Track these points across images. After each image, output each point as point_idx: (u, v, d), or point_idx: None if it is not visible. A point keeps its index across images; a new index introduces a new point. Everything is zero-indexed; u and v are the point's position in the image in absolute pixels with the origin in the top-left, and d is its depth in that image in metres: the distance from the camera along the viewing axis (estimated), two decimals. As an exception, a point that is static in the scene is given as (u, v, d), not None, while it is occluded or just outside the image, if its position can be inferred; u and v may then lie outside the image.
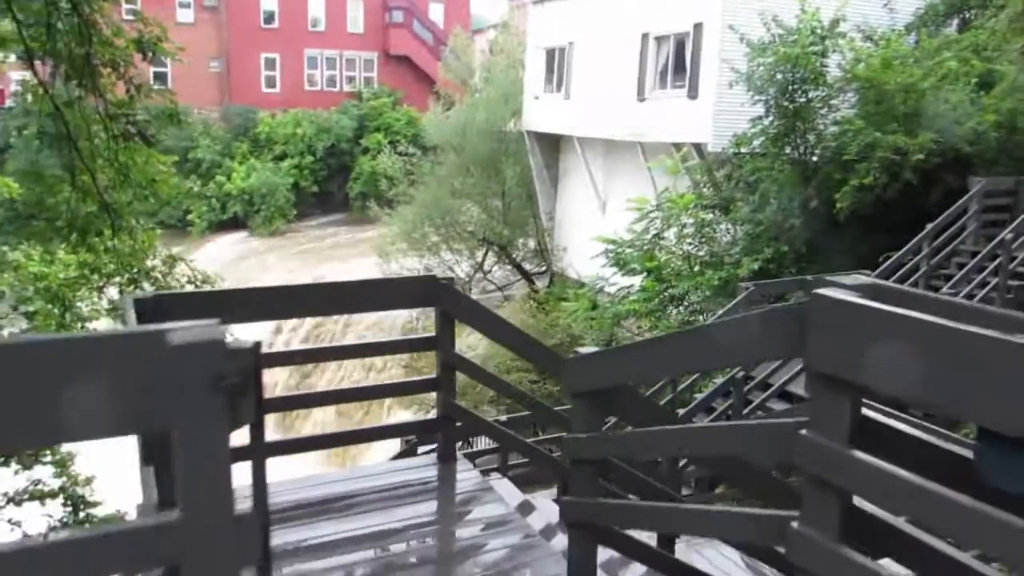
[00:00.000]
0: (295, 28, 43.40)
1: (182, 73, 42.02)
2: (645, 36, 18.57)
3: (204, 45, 42.19)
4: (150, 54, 7.54)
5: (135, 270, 8.96)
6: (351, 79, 45.18)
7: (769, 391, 8.98)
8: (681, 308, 14.60)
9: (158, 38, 7.55)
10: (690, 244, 15.06)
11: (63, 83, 7.79)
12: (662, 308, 14.77)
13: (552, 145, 24.41)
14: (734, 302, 9.81)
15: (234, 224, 38.53)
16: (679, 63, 17.65)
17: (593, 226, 22.96)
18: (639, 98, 18.78)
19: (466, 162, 25.93)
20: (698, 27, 16.87)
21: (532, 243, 27.07)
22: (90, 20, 7.14)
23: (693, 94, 16.92)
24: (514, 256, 26.93)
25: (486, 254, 27.01)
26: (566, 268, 24.00)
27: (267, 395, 4.08)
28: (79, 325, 11.34)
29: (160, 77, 41.70)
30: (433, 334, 4.49)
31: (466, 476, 4.59)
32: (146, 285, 9.28)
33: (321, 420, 26.32)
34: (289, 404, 5.28)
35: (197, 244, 37.29)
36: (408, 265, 26.33)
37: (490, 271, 27.49)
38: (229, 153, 40.12)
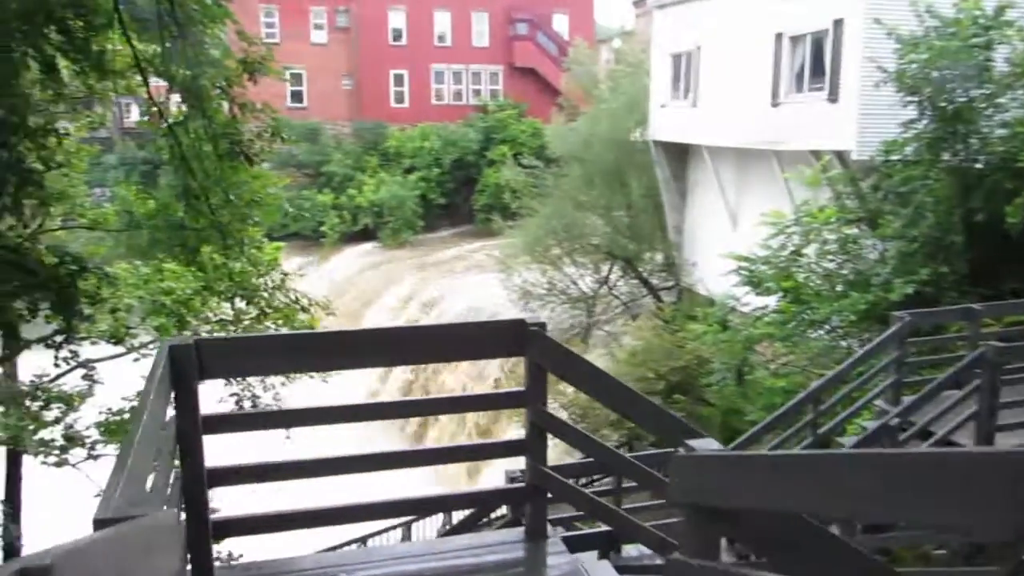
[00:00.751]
0: (422, 44, 44.09)
1: (317, 91, 43.76)
2: (779, 36, 17.34)
3: (337, 63, 43.62)
4: (256, 74, 7.31)
5: (243, 288, 8.83)
6: (477, 92, 45.50)
7: (931, 439, 7.83)
8: (822, 332, 13.35)
9: (263, 57, 7.33)
10: (832, 262, 13.78)
11: (177, 104, 7.70)
12: (800, 332, 13.58)
13: (680, 155, 23.37)
14: (886, 335, 8.67)
15: (364, 235, 39.41)
16: (817, 64, 16.35)
17: (723, 240, 21.76)
18: (773, 103, 17.57)
19: (590, 173, 25.27)
20: (838, 23, 15.54)
21: (659, 257, 26.06)
22: (198, 42, 6.98)
23: (833, 97, 15.60)
24: (640, 270, 26.01)
25: (611, 268, 26.21)
26: (695, 284, 22.89)
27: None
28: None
29: (296, 96, 43.47)
30: (521, 388, 3.85)
31: (559, 561, 3.89)
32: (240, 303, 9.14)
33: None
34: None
35: (328, 254, 38.37)
36: (531, 279, 25.91)
37: (615, 285, 26.66)
38: (360, 167, 41.14)
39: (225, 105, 7.31)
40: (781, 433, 8.85)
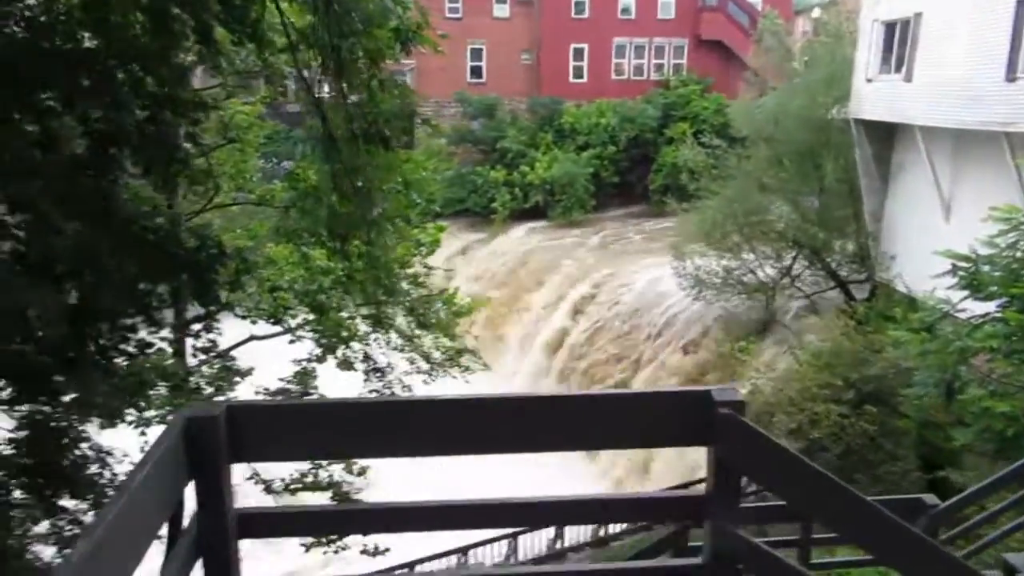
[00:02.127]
0: (605, 17, 42.70)
1: (496, 66, 43.49)
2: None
3: (517, 38, 43.13)
4: (410, 43, 6.56)
5: (384, 279, 8.23)
6: (659, 67, 43.62)
7: None
8: (1059, 351, 11.18)
9: (418, 25, 6.58)
10: (1079, 268, 11.49)
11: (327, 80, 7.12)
12: (1030, 348, 11.46)
13: (885, 136, 20.86)
14: None
15: (535, 213, 38.89)
16: (1071, 31, 13.76)
17: (933, 233, 19.23)
18: (1009, 77, 15.04)
19: (778, 154, 23.19)
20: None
21: (851, 247, 23.60)
22: (346, 11, 6.33)
23: (1091, 70, 13.04)
24: (828, 261, 23.68)
25: (795, 258, 24.04)
26: (893, 279, 20.44)
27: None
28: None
29: (476, 71, 43.45)
30: (699, 491, 2.65)
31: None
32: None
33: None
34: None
35: (498, 231, 38.20)
36: (705, 266, 24.27)
37: (798, 276, 24.45)
38: (534, 143, 40.56)
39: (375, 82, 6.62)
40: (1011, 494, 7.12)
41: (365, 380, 11.57)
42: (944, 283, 14.00)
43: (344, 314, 11.65)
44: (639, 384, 24.63)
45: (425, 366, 11.94)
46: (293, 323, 11.91)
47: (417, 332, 11.68)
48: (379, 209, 6.97)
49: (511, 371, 29.57)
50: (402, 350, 11.78)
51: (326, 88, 7.60)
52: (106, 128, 6.43)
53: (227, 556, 2.32)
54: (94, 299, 6.61)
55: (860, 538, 2.55)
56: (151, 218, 6.50)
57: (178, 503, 2.14)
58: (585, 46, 42.94)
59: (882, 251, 21.47)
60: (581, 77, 43.23)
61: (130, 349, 7.07)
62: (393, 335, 11.18)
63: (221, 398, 12.15)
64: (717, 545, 2.58)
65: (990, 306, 12.79)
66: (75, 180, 6.28)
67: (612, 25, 42.85)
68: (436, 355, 11.98)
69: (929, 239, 19.47)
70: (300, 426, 2.38)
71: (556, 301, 30.45)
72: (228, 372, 12.28)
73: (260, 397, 12.52)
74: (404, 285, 10.76)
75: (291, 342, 11.83)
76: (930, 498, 6.66)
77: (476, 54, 43.27)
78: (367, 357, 11.29)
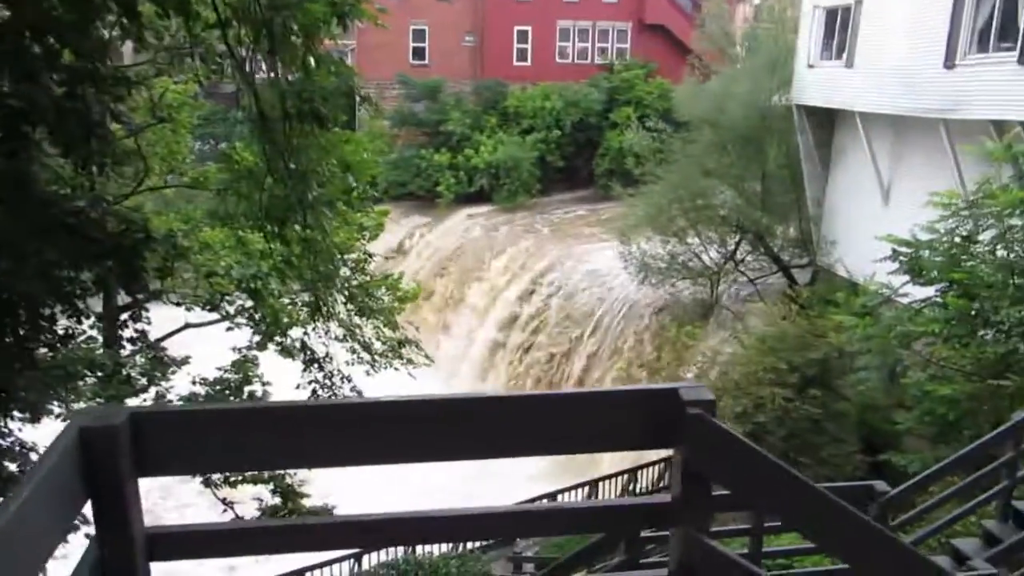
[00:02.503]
0: (549, -1, 42.40)
1: (439, 48, 42.83)
2: (961, -13, 14.98)
3: (461, 19, 42.49)
4: (347, 18, 6.19)
5: (322, 265, 7.83)
6: (603, 51, 43.51)
7: None
8: (998, 334, 11.37)
9: (356, -1, 6.20)
10: (1017, 254, 11.69)
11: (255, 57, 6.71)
12: (970, 332, 11.65)
13: (826, 122, 21.10)
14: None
15: (479, 197, 38.53)
16: (1007, 19, 13.97)
17: (872, 219, 19.51)
18: (947, 64, 15.25)
19: (723, 139, 23.29)
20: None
21: (793, 232, 23.89)
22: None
23: (1027, 58, 13.26)
24: (771, 246, 23.94)
25: (739, 243, 24.24)
26: (834, 264, 20.74)
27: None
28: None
29: (418, 52, 42.73)
30: (664, 497, 2.41)
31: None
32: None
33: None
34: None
35: (443, 215, 37.78)
36: (651, 251, 24.31)
37: (742, 260, 24.68)
38: (478, 126, 40.14)
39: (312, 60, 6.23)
40: (958, 480, 7.13)
41: (304, 371, 11.15)
42: (885, 268, 14.21)
43: (285, 300, 11.20)
44: (580, 368, 24.63)
45: (367, 356, 11.54)
46: (231, 309, 11.43)
47: (357, 321, 11.26)
48: (315, 191, 6.59)
49: (455, 359, 29.36)
50: (344, 339, 11.36)
51: (262, 66, 7.19)
52: (18, 104, 5.94)
53: None
54: (10, 287, 6.12)
55: (847, 552, 2.35)
56: (71, 200, 6.03)
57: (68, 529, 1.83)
58: (529, 28, 42.59)
59: (823, 236, 21.75)
60: (525, 60, 42.90)
61: (51, 339, 6.60)
62: (333, 324, 10.76)
63: (133, 400, 11.60)
64: (684, 556, 2.36)
65: (930, 291, 13.00)
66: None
67: (556, 7, 42.54)
68: (377, 346, 11.57)
69: (869, 224, 19.73)
70: (219, 434, 2.07)
71: (503, 287, 30.23)
72: (161, 363, 11.76)
73: (197, 388, 12.03)
74: (345, 271, 10.34)
75: (228, 329, 11.34)
76: (880, 485, 6.65)
77: (419, 35, 42.54)
78: (304, 347, 10.86)
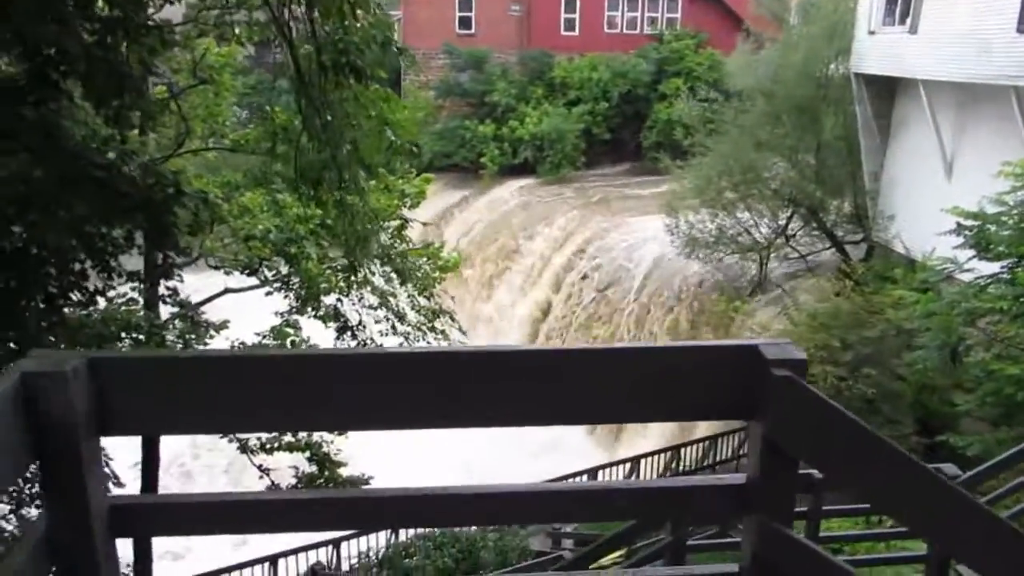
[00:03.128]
0: (598, -33, 41.43)
1: (486, 17, 42.19)
2: (1037, -55, 14.09)
3: (507, -12, 41.77)
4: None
5: (359, 228, 7.52)
6: (653, 20, 42.44)
7: None
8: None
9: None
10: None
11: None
12: (1041, 310, 11.02)
13: (886, 91, 20.21)
14: None
15: (524, 169, 38.06)
16: (1090, -22, 13.09)
17: (934, 193, 18.69)
18: (1020, 28, 14.38)
19: (777, 109, 22.46)
20: None
21: (847, 207, 23.06)
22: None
23: (1111, 19, 12.40)
24: (825, 221, 23.15)
25: (791, 217, 23.48)
26: (891, 240, 19.96)
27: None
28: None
29: (464, 22, 42.19)
30: (738, 478, 2.01)
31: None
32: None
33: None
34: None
35: (487, 187, 37.43)
36: (699, 225, 23.67)
37: (793, 235, 23.92)
38: (524, 97, 39.56)
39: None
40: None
41: (336, 339, 10.89)
42: (946, 244, 13.53)
43: (324, 266, 10.96)
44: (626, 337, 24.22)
45: (402, 328, 11.22)
46: (270, 275, 11.24)
47: (394, 289, 10.93)
48: (348, 147, 6.29)
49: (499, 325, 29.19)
50: (378, 307, 11.07)
51: (301, 19, 6.88)
52: (47, 51, 5.73)
53: (94, 563, 1.65)
54: (39, 240, 5.97)
55: (961, 543, 1.97)
56: (101, 154, 5.83)
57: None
58: (577, -2, 41.74)
59: (880, 210, 20.94)
60: (573, 30, 42.06)
61: (82, 299, 6.45)
62: (367, 291, 10.45)
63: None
64: (761, 547, 1.99)
65: (994, 267, 12.32)
66: (12, 108, 5.59)
67: (606, -24, 41.63)
68: (411, 316, 11.21)
69: (930, 198, 18.92)
70: (204, 386, 1.71)
71: (549, 256, 29.87)
72: (199, 326, 11.67)
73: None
74: (384, 238, 10.04)
75: (267, 295, 11.17)
76: (950, 468, 6.21)
77: (465, 4, 41.95)
78: (338, 314, 10.58)
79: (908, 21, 17.99)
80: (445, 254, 13.60)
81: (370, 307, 10.63)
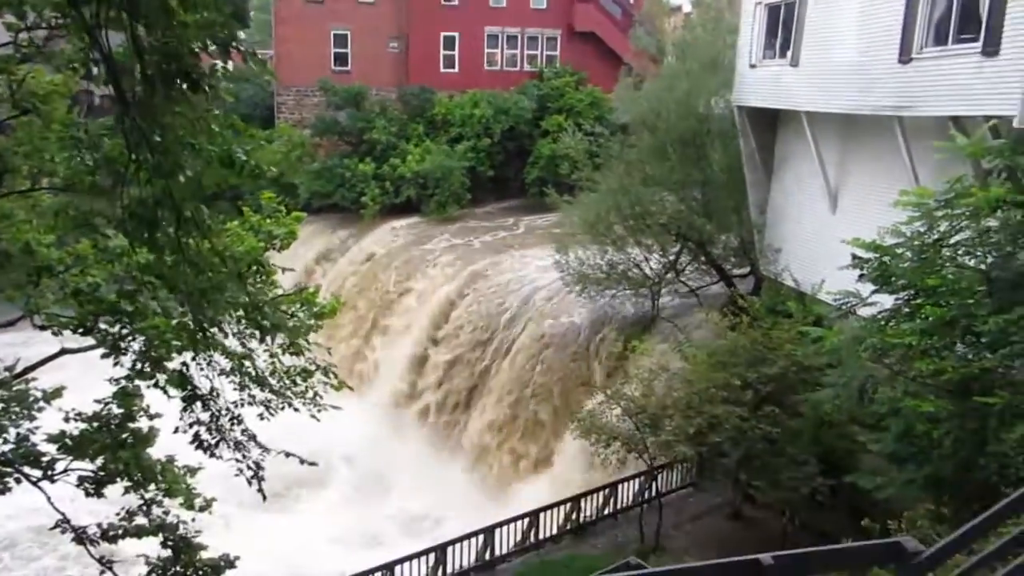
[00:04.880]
0: (476, 5, 41.19)
1: (362, 54, 41.01)
2: (914, -23, 14.18)
3: (384, 24, 40.85)
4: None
5: (204, 283, 6.10)
6: (532, 58, 42.55)
7: None
8: (979, 345, 10.37)
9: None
10: (995, 258, 10.71)
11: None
12: (949, 344, 10.64)
13: (769, 123, 20.26)
14: None
15: (407, 208, 36.83)
16: (967, 9, 13.17)
17: (819, 224, 18.72)
18: (902, 59, 14.41)
19: (662, 143, 22.21)
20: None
21: (734, 240, 22.97)
22: None
23: (991, 49, 12.43)
24: (713, 255, 22.98)
25: (680, 251, 23.20)
26: (780, 273, 19.84)
27: None
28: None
29: (340, 58, 40.84)
30: None
31: None
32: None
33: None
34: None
35: (368, 228, 35.97)
36: (588, 261, 23.05)
37: (682, 270, 23.64)
38: (405, 135, 38.50)
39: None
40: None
41: (183, 410, 9.27)
42: (835, 276, 13.19)
43: (175, 320, 9.36)
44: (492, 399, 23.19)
45: (261, 396, 9.58)
46: (112, 331, 9.53)
47: (252, 350, 9.35)
48: (185, 177, 4.97)
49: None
50: (231, 373, 9.40)
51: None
52: None
53: None
54: None
55: None
56: None
57: None
58: (456, 34, 41.27)
59: (767, 243, 20.89)
60: (452, 67, 41.54)
61: None
62: (217, 355, 8.86)
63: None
64: None
65: (889, 301, 11.98)
66: None
67: (484, 14, 41.39)
68: (273, 381, 9.57)
69: (816, 231, 18.95)
70: None
71: (429, 305, 28.59)
72: (24, 398, 9.84)
73: (70, 426, 10.07)
74: (247, 287, 8.58)
75: (103, 356, 9.46)
76: (909, 542, 5.35)
77: (340, 40, 40.74)
78: (183, 381, 8.96)
79: (789, 54, 18.02)
80: (321, 299, 12.14)
81: (222, 372, 9.07)
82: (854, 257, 12.30)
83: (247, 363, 9.27)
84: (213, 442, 9.60)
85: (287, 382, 9.78)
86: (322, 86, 39.17)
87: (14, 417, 9.59)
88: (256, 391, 9.49)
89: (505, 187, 39.67)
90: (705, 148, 21.82)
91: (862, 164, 17.16)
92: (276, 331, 9.52)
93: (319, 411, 9.98)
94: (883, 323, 11.63)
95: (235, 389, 9.61)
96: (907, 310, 11.60)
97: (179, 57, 4.67)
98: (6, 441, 9.68)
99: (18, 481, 9.84)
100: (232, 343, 9.17)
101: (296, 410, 9.79)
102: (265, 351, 9.67)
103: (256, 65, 4.87)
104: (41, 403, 10.19)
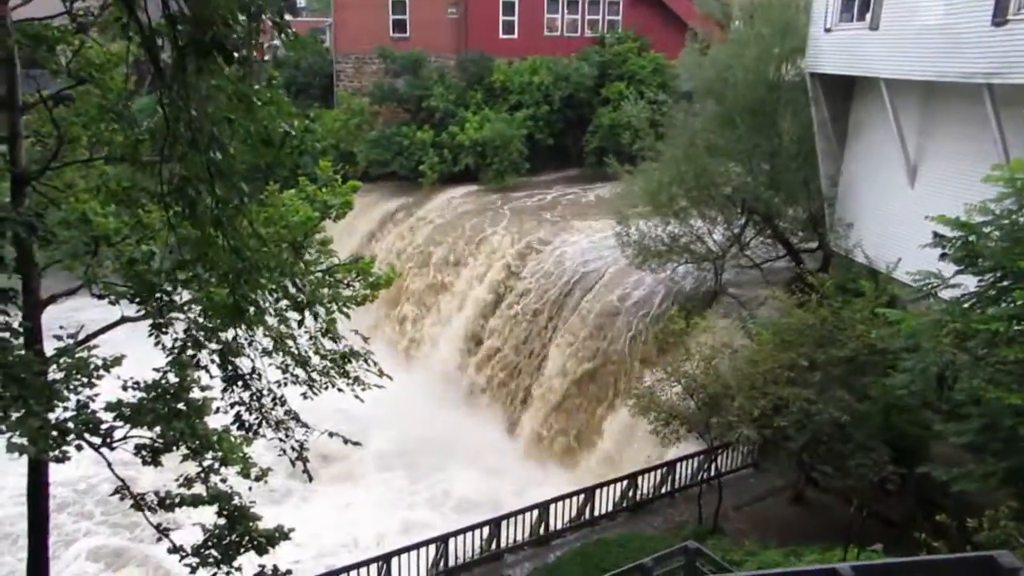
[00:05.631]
0: (537, -32, 40.23)
1: (420, 20, 40.56)
2: (1010, -68, 13.15)
3: (443, -11, 40.22)
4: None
5: (243, 249, 5.81)
6: (593, 23, 41.46)
7: None
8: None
9: None
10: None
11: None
12: (1042, 331, 9.91)
13: (844, 91, 19.29)
14: None
15: (465, 176, 36.51)
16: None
17: (896, 199, 17.79)
18: (996, 21, 13.42)
19: (729, 112, 21.36)
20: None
21: (803, 213, 22.07)
22: None
23: (1098, 11, 11.44)
24: (780, 228, 22.14)
25: (746, 224, 22.41)
26: (852, 249, 18.99)
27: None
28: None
29: (399, 25, 40.48)
30: None
31: None
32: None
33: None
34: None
35: (426, 196, 35.79)
36: (649, 233, 22.42)
37: (748, 244, 22.84)
38: (463, 102, 38.04)
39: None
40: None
41: (224, 390, 9.15)
42: (913, 255, 12.45)
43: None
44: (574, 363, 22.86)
45: (303, 375, 9.41)
46: (165, 301, 9.46)
47: (293, 329, 9.15)
48: (219, 154, 4.70)
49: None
50: (274, 352, 9.22)
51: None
52: None
53: None
54: None
55: None
56: None
57: None
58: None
59: (838, 217, 20.00)
60: (512, 33, 40.75)
61: None
62: (260, 333, 8.70)
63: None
64: None
65: (972, 282, 11.23)
66: None
67: (545, -23, 40.45)
68: (316, 360, 9.38)
69: (892, 206, 18.04)
70: None
71: (486, 275, 28.36)
72: (84, 365, 9.84)
73: (127, 395, 10.09)
74: (299, 254, 8.39)
75: (152, 326, 9.40)
76: (1004, 556, 4.89)
77: (399, 7, 40.30)
78: (225, 360, 8.81)
79: (868, 17, 17.01)
80: (376, 269, 11.91)
81: (265, 352, 8.90)
82: (936, 235, 11.54)
83: (289, 343, 9.09)
84: (255, 422, 9.49)
85: (328, 363, 9.60)
86: (380, 53, 38.90)
87: (75, 384, 9.61)
88: (299, 371, 9.32)
89: (565, 156, 39.01)
90: (774, 117, 20.91)
91: (946, 135, 16.18)
92: (311, 307, 9.31)
93: (363, 390, 9.78)
94: (967, 307, 10.92)
95: (278, 367, 9.47)
96: (993, 293, 10.89)
97: (211, 24, 4.37)
98: (67, 408, 9.73)
99: (79, 448, 9.89)
100: (272, 322, 9.00)
101: (340, 390, 9.61)
102: (305, 332, 9.48)
103: (288, 37, 4.54)
104: (101, 371, 10.20)
